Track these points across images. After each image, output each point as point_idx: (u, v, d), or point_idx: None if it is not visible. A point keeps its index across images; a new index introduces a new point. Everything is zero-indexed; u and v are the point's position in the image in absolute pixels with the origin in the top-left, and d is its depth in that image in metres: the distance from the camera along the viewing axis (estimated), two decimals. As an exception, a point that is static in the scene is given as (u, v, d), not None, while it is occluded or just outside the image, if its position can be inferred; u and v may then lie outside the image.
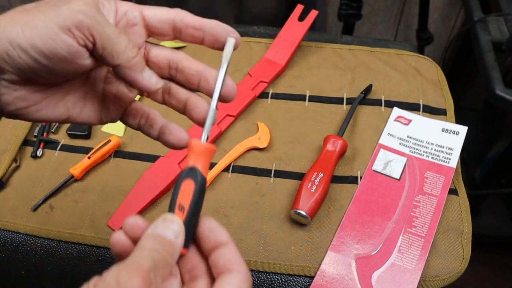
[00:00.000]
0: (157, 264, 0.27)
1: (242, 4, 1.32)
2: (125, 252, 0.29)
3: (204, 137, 0.33)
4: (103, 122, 0.37)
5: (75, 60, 0.30)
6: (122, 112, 0.37)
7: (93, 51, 0.30)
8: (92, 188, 0.58)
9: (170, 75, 0.36)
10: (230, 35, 0.34)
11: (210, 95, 0.34)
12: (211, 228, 0.31)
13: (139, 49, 0.34)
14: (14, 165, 0.60)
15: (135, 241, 0.30)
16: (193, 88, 0.36)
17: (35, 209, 0.56)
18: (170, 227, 0.29)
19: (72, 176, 0.58)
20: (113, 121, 0.37)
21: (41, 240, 0.55)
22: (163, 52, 0.35)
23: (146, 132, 0.37)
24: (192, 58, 0.35)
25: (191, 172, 0.31)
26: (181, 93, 0.36)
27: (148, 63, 0.36)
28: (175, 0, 1.31)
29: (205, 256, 0.31)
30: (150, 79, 0.33)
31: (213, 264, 0.30)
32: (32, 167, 0.61)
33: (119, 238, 0.30)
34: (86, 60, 0.30)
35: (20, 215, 0.56)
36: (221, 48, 0.35)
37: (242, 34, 0.78)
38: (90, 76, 0.35)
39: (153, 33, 0.35)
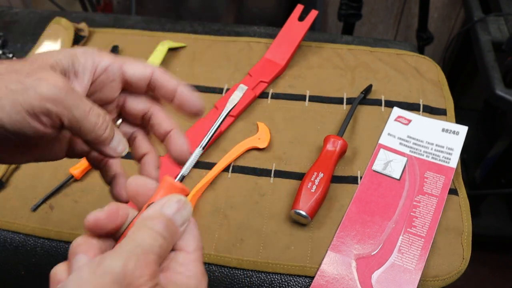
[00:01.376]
0: (161, 255, 0.27)
1: (242, 4, 1.32)
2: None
3: (179, 177, 0.33)
4: (70, 157, 0.37)
5: (43, 137, 0.30)
6: (88, 152, 0.37)
7: (62, 127, 0.31)
8: (92, 188, 0.58)
9: (142, 124, 0.37)
10: (193, 110, 0.35)
11: (170, 155, 0.36)
12: None
13: (113, 104, 0.35)
14: (14, 165, 0.60)
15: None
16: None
17: (35, 209, 0.56)
18: (182, 212, 0.29)
19: (72, 176, 0.58)
20: (79, 157, 0.38)
21: (41, 240, 0.55)
22: (139, 106, 0.36)
23: (101, 175, 0.38)
24: (164, 113, 0.36)
25: None
26: (142, 147, 0.37)
27: (122, 113, 0.37)
28: (175, 1, 1.31)
29: None
30: (116, 149, 0.33)
31: None
32: (32, 167, 0.61)
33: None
34: (55, 133, 0.31)
35: (20, 215, 0.56)
36: (183, 113, 0.36)
37: (242, 34, 0.78)
38: None
39: (128, 87, 0.35)
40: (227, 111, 0.35)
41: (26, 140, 0.30)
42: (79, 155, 0.37)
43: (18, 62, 0.30)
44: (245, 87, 0.35)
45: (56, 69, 0.31)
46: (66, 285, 0.24)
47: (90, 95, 0.34)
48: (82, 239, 0.29)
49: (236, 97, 0.35)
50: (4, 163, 0.33)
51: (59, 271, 0.28)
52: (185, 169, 0.33)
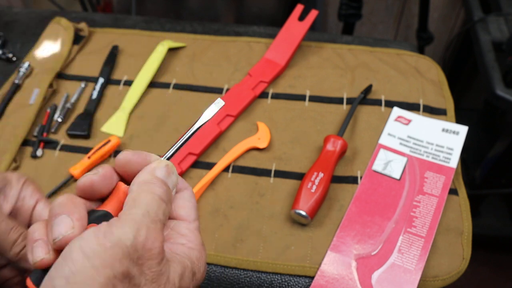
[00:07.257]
0: (165, 222, 0.27)
1: (242, 4, 1.32)
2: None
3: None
4: None
5: None
6: None
7: None
8: (92, 188, 0.58)
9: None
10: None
11: None
12: None
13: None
14: (14, 165, 0.60)
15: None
16: None
17: (35, 209, 0.56)
18: (172, 177, 0.29)
19: (72, 176, 0.58)
20: None
21: (41, 240, 0.55)
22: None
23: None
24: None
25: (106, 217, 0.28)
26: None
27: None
28: (175, 1, 1.31)
29: None
30: (35, 254, 0.28)
31: None
32: (32, 167, 0.61)
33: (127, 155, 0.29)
34: None
35: (20, 215, 0.56)
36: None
37: (242, 34, 0.78)
38: None
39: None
40: (199, 125, 0.31)
41: None
42: None
43: None
44: (222, 102, 0.32)
45: None
46: (72, 255, 0.23)
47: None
48: (66, 198, 0.27)
49: (211, 111, 0.32)
50: None
51: (37, 228, 0.27)
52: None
